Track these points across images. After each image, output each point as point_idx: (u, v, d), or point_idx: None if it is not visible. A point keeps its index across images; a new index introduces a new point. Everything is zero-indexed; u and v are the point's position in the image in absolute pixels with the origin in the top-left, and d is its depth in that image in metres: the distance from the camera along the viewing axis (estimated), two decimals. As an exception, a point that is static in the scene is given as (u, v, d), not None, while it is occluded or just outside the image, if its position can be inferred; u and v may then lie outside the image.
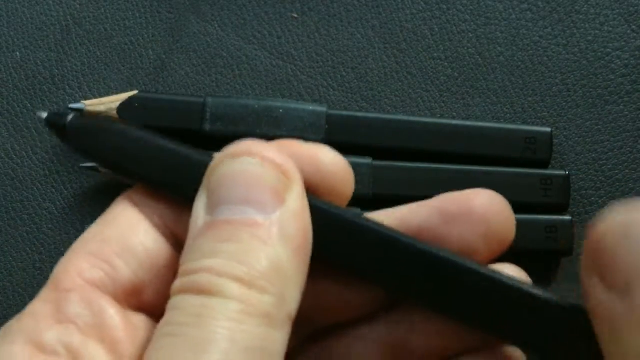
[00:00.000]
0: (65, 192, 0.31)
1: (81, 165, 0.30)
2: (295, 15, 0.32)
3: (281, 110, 0.29)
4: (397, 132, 0.30)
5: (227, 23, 0.32)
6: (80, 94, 0.31)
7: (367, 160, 0.30)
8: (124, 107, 0.29)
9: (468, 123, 0.30)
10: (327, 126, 0.30)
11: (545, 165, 0.30)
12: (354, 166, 0.29)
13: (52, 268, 0.30)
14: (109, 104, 0.29)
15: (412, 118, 0.30)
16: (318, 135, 0.30)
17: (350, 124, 0.30)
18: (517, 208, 0.29)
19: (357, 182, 0.29)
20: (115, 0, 0.31)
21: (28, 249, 0.30)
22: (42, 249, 0.30)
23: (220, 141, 0.29)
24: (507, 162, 0.30)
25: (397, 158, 0.30)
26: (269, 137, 0.29)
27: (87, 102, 0.29)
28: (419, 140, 0.30)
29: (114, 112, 0.29)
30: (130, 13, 0.31)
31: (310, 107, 0.30)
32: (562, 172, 0.30)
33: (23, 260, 0.30)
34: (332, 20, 0.32)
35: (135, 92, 0.29)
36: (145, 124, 0.29)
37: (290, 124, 0.29)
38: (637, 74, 0.32)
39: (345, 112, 0.30)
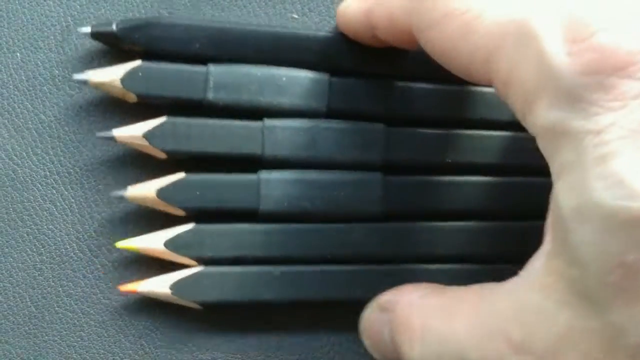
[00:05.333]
0: (66, 193, 0.31)
1: (98, 134, 0.29)
2: (296, 16, 0.32)
3: (284, 78, 0.30)
4: (400, 98, 0.30)
5: (227, 23, 0.32)
6: (81, 94, 0.31)
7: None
8: (127, 76, 0.29)
9: (473, 88, 0.31)
10: (329, 93, 0.30)
11: None
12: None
13: (52, 268, 0.30)
14: (113, 73, 0.29)
15: (417, 85, 0.30)
16: (320, 102, 0.30)
17: (353, 91, 0.30)
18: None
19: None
20: (115, 0, 0.31)
21: (28, 249, 0.30)
22: (42, 249, 0.30)
23: (223, 109, 0.30)
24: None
25: (399, 124, 0.30)
26: (272, 105, 0.29)
27: (91, 71, 0.29)
28: (427, 106, 0.30)
29: (118, 82, 0.29)
30: (130, 13, 0.31)
31: (313, 75, 0.30)
32: None
33: (23, 260, 0.30)
34: (332, 21, 0.32)
35: (139, 62, 0.29)
36: (149, 94, 0.29)
37: (293, 92, 0.30)
38: (638, 74, 0.32)
39: (347, 79, 0.30)
